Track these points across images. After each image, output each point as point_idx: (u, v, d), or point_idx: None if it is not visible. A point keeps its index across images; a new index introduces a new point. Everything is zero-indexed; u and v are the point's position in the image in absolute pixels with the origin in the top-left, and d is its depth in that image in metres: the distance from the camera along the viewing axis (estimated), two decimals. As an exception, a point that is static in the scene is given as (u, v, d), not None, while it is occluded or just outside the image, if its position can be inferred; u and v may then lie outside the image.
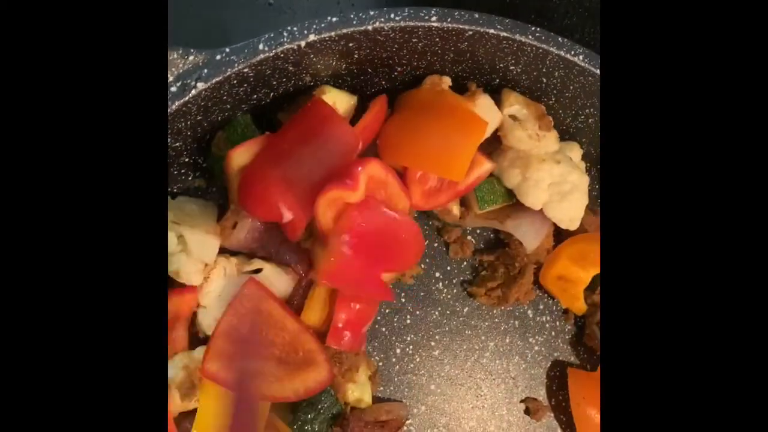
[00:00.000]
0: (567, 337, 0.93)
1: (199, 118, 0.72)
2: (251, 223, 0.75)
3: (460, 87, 0.82)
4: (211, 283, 0.75)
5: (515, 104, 0.81)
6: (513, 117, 0.81)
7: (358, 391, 0.81)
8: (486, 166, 0.81)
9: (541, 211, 0.83)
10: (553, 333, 0.92)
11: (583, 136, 0.88)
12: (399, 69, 0.80)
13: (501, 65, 0.78)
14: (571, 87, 0.79)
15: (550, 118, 0.82)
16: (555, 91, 0.81)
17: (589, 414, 0.85)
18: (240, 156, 0.73)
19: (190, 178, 0.81)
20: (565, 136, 0.90)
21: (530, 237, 0.84)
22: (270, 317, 0.73)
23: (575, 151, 0.87)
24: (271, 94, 0.77)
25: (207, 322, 0.76)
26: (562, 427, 0.91)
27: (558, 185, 0.80)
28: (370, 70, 0.80)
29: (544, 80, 0.79)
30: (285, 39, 0.67)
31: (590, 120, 0.84)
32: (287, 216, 0.71)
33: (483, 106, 0.79)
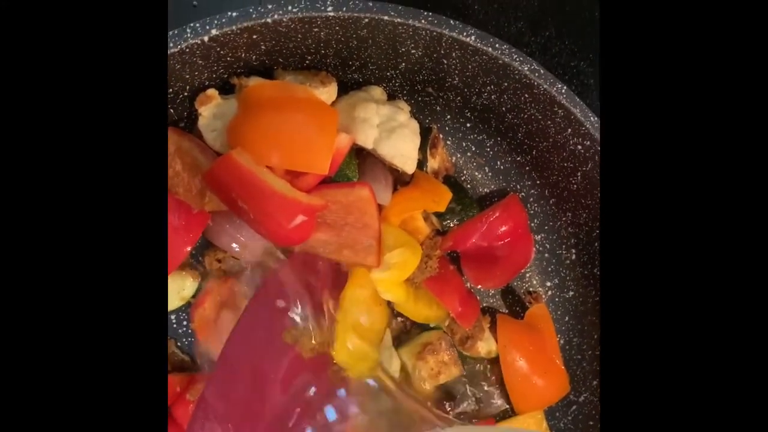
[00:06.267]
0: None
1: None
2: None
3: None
4: None
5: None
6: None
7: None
8: (344, 138, 0.82)
9: (379, 165, 0.88)
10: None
11: (490, 113, 0.94)
12: (309, 58, 0.85)
13: (403, 50, 0.83)
14: (470, 66, 0.84)
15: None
16: (456, 71, 0.87)
17: (513, 358, 0.94)
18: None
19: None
20: (474, 113, 0.96)
21: (380, 193, 0.87)
22: None
23: (403, 105, 0.92)
24: (187, 87, 0.81)
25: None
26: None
27: (386, 123, 0.85)
28: (281, 60, 0.84)
29: (445, 61, 0.85)
30: (189, 35, 0.72)
31: (493, 97, 0.89)
32: None
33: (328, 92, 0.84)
